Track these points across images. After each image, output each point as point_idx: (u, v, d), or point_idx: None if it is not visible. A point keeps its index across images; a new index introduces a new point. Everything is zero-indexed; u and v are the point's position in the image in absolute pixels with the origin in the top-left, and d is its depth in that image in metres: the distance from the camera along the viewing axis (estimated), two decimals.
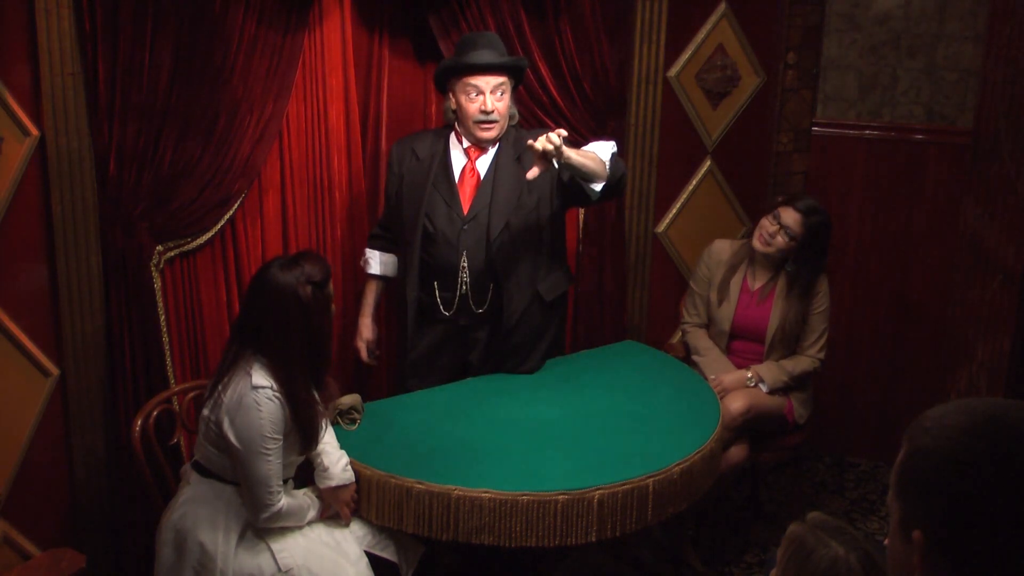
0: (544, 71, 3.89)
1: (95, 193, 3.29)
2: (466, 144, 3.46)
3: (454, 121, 3.47)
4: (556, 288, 3.55)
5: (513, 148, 3.45)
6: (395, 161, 3.52)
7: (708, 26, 4.29)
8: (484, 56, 3.34)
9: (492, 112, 3.35)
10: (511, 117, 3.47)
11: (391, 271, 3.67)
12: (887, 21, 4.38)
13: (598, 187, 3.32)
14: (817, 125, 4.53)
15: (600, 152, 3.32)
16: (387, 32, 3.82)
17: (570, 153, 3.12)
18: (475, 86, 3.34)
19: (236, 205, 3.56)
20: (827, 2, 4.40)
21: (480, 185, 3.43)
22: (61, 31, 3.12)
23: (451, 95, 3.43)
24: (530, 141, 3.09)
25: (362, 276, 3.79)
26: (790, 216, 3.79)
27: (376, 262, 3.67)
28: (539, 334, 3.54)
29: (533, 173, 3.13)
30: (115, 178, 3.27)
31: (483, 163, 3.46)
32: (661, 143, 4.26)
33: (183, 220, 3.43)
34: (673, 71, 4.27)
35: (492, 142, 3.44)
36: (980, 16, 4.21)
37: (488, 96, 3.34)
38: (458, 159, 3.47)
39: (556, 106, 3.94)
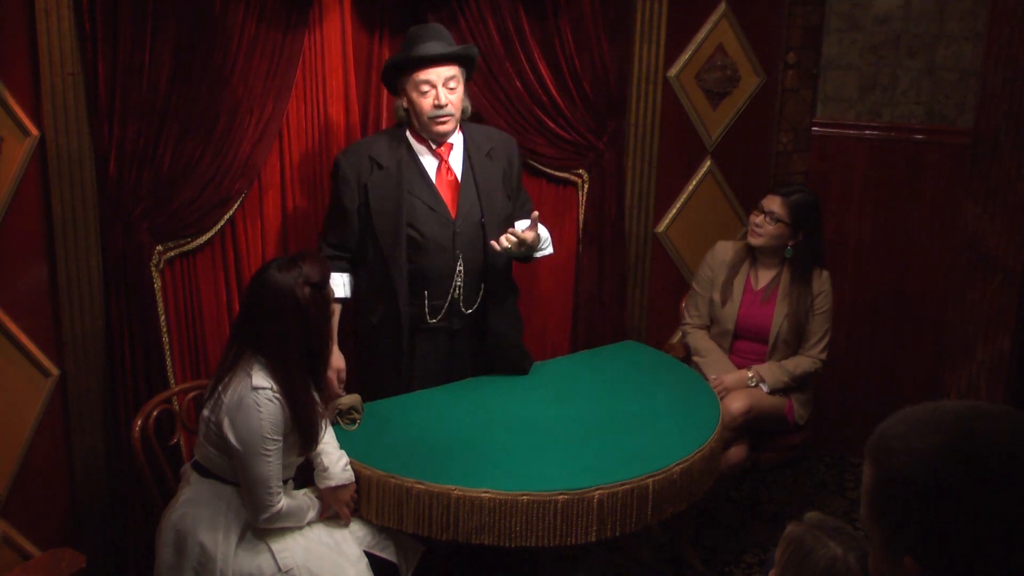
0: (544, 71, 3.89)
1: (95, 193, 3.29)
2: (434, 145, 3.37)
3: (406, 120, 3.38)
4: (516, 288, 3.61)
5: (476, 144, 3.41)
6: (350, 173, 3.33)
7: (708, 26, 4.29)
8: (432, 48, 3.24)
9: (446, 105, 3.26)
10: (464, 111, 3.38)
11: (351, 292, 3.45)
12: (887, 21, 4.38)
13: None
14: (817, 125, 4.53)
15: (543, 242, 3.45)
16: (387, 32, 3.82)
17: (530, 249, 3.33)
18: (427, 80, 3.24)
19: (236, 205, 3.56)
20: (827, 2, 4.40)
21: (461, 186, 3.39)
22: (61, 31, 3.12)
23: (402, 94, 3.33)
24: (496, 244, 3.27)
25: None
26: (772, 202, 3.85)
27: (340, 284, 3.39)
28: (520, 331, 3.57)
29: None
30: (115, 178, 3.27)
31: (455, 161, 3.40)
32: (661, 143, 4.26)
33: (183, 220, 3.43)
34: (673, 71, 4.27)
35: (449, 136, 3.36)
36: (980, 16, 4.21)
37: (440, 89, 3.25)
38: (429, 161, 3.38)
39: (556, 106, 3.95)
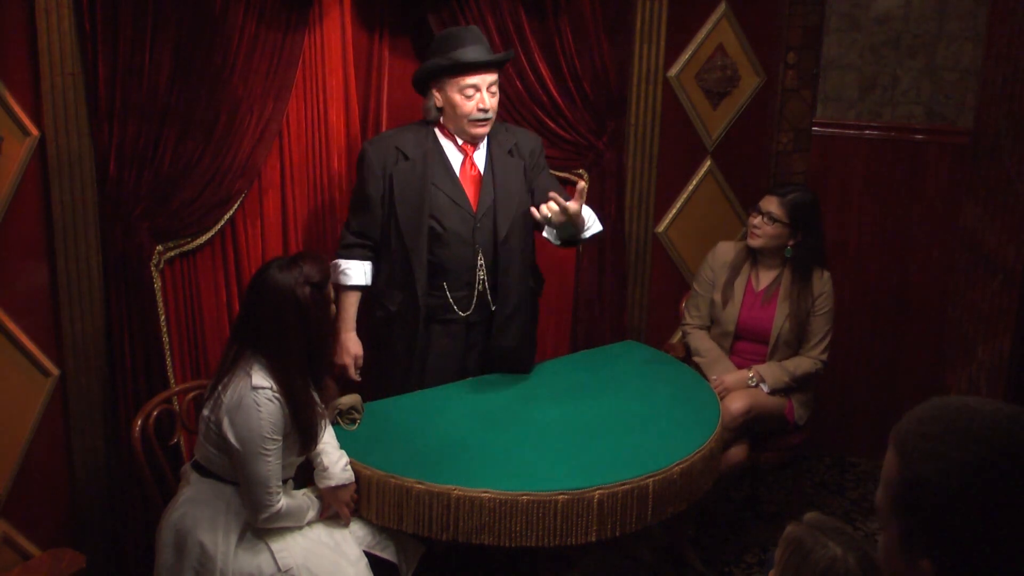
0: (544, 71, 3.89)
1: (95, 193, 3.29)
2: (460, 140, 3.43)
3: (437, 118, 3.43)
4: (538, 282, 3.64)
5: (500, 141, 3.46)
6: (376, 163, 3.38)
7: (708, 26, 4.29)
8: (480, 53, 3.32)
9: (489, 109, 3.34)
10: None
11: (371, 280, 3.51)
12: (887, 21, 4.37)
13: (555, 240, 3.44)
14: (817, 125, 4.53)
15: (588, 221, 3.43)
16: (387, 32, 3.82)
17: (574, 222, 3.28)
18: (472, 85, 3.31)
19: (236, 205, 3.56)
20: (827, 2, 4.40)
21: (483, 180, 3.43)
22: (61, 31, 3.12)
23: (436, 93, 3.37)
24: (536, 211, 3.25)
25: None
26: (769, 202, 3.85)
27: (360, 272, 3.47)
28: (531, 330, 3.59)
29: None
30: (115, 178, 3.27)
31: (479, 157, 3.45)
32: (661, 143, 4.26)
33: (183, 220, 3.43)
34: (673, 71, 4.27)
35: (485, 137, 3.43)
36: (980, 16, 4.21)
37: (485, 93, 3.32)
38: (455, 156, 3.44)
39: (556, 106, 3.95)
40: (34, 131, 3.16)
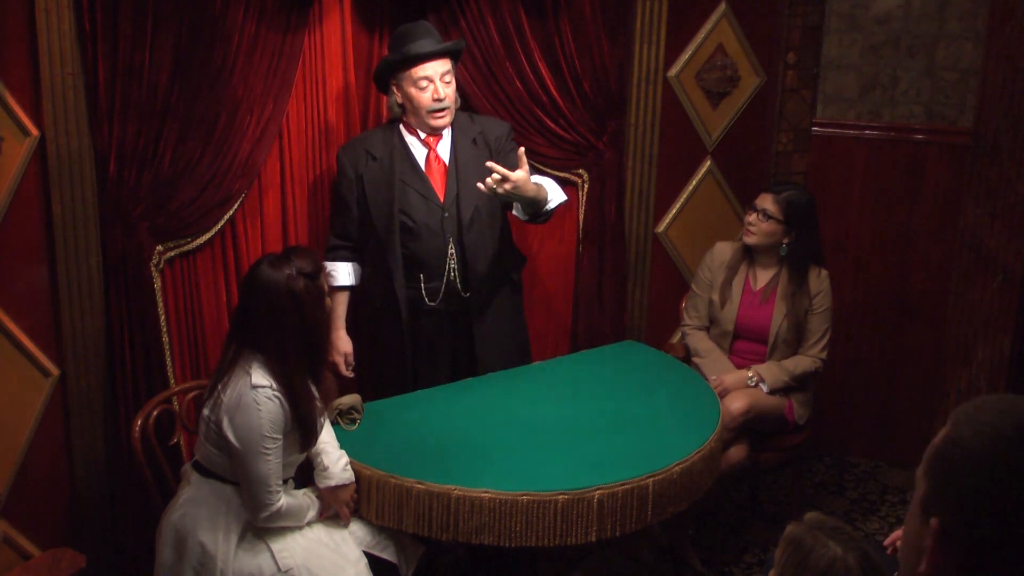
0: (544, 71, 3.89)
1: (95, 193, 3.29)
2: (423, 135, 3.48)
3: (401, 115, 3.49)
4: (518, 264, 3.70)
5: (464, 131, 3.51)
6: (348, 166, 3.50)
7: (708, 26, 4.28)
8: (426, 45, 3.38)
9: (444, 98, 3.40)
10: (455, 101, 3.50)
11: (357, 280, 3.64)
12: (887, 21, 4.37)
13: (522, 216, 3.53)
14: (817, 125, 4.53)
15: (550, 193, 3.48)
16: (387, 32, 3.82)
17: (523, 190, 3.28)
18: (425, 76, 3.37)
19: (236, 205, 3.57)
20: (827, 2, 4.39)
21: (448, 171, 3.49)
22: (61, 31, 3.12)
23: (396, 90, 3.45)
24: (481, 185, 3.26)
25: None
26: (764, 199, 3.86)
27: (345, 273, 3.59)
28: (513, 315, 3.65)
29: (483, 186, 3.26)
30: (115, 178, 3.27)
31: (444, 149, 3.51)
32: (661, 143, 4.26)
33: (183, 220, 3.43)
34: (673, 71, 4.27)
35: (446, 128, 3.48)
36: (980, 16, 4.21)
37: (438, 83, 3.38)
38: (419, 150, 3.50)
39: (556, 106, 3.94)
40: (34, 131, 3.16)
